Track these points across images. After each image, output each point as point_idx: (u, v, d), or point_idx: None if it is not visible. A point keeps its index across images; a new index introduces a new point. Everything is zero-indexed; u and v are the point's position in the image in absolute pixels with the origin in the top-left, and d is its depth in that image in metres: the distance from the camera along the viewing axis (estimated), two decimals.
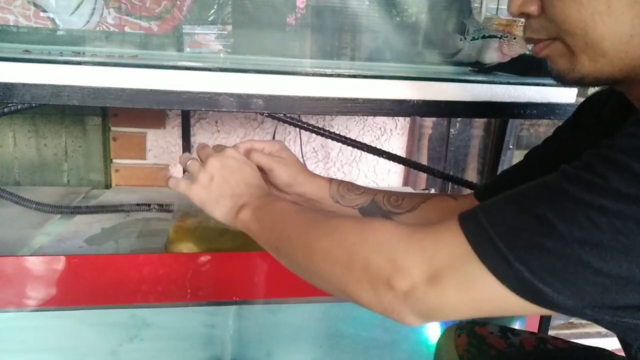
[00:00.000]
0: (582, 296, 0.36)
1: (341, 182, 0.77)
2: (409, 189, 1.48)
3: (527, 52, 0.95)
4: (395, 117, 1.44)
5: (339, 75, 0.83)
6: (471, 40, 0.94)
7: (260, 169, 0.73)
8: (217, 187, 0.63)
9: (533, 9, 0.47)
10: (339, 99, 0.83)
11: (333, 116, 1.40)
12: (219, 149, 0.67)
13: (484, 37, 0.94)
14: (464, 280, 0.40)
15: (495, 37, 0.93)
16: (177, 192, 0.66)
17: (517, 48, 0.92)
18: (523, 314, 0.41)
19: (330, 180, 0.77)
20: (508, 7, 0.49)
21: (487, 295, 0.40)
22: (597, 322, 0.39)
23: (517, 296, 0.38)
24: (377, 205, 0.75)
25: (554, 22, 0.46)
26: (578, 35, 0.44)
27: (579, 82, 0.48)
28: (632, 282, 0.34)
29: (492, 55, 0.94)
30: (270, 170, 0.73)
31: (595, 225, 0.35)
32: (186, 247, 0.83)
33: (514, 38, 0.93)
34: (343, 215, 0.54)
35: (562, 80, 0.49)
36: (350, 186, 0.77)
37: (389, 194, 0.77)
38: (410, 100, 0.85)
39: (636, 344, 0.50)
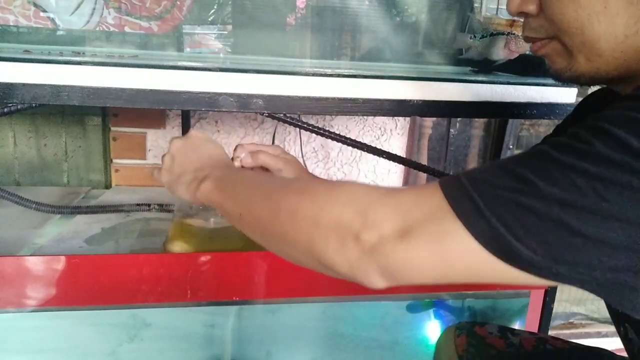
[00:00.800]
0: (556, 256, 0.36)
1: None
2: None
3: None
4: (395, 117, 1.44)
5: (339, 75, 0.83)
6: (480, 38, 0.94)
7: (267, 170, 0.74)
8: (179, 166, 0.63)
9: (532, 8, 0.48)
10: (339, 99, 0.83)
11: (333, 116, 1.40)
12: None
13: (492, 34, 0.94)
14: (437, 236, 0.39)
15: (502, 34, 0.93)
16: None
17: (524, 45, 0.92)
18: (492, 277, 0.39)
19: None
20: (507, 6, 0.50)
21: (458, 252, 0.38)
22: (577, 283, 0.37)
23: (490, 254, 0.37)
24: None
25: (552, 21, 0.46)
26: (575, 34, 0.45)
27: (576, 81, 0.48)
28: (609, 246, 0.35)
29: (499, 52, 0.94)
30: (279, 170, 0.74)
31: (576, 188, 0.35)
32: (184, 247, 0.83)
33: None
34: (312, 176, 0.50)
35: (560, 79, 0.50)
36: None
37: None
38: (410, 100, 0.85)
39: (639, 341, 0.50)
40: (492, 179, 0.39)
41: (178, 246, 0.83)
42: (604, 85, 0.54)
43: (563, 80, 0.49)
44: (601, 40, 0.44)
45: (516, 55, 0.94)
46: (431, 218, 0.40)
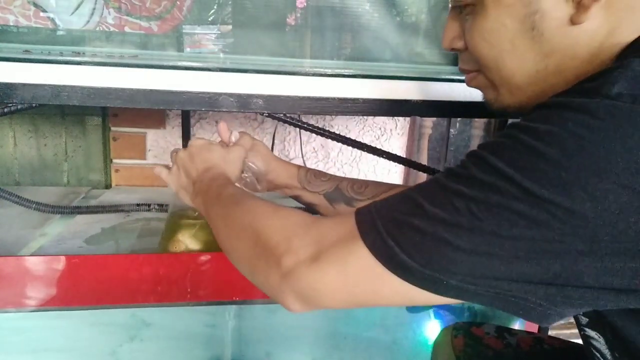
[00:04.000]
0: (442, 269, 0.39)
1: (309, 169, 0.82)
2: None
3: None
4: (395, 117, 1.44)
5: (339, 75, 0.83)
6: None
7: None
8: (183, 176, 0.71)
9: (460, 44, 0.53)
10: (339, 99, 0.83)
11: (333, 116, 1.40)
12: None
13: None
14: (342, 256, 0.43)
15: None
16: (173, 192, 0.74)
17: None
18: (393, 295, 0.43)
19: (299, 167, 0.82)
20: (441, 42, 0.56)
21: (360, 269, 0.42)
22: (471, 297, 0.41)
23: (388, 271, 0.41)
24: (341, 192, 0.79)
25: (475, 57, 0.51)
26: (493, 69, 0.49)
27: (504, 112, 0.53)
28: (486, 257, 0.38)
29: None
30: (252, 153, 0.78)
31: (455, 208, 0.39)
32: (179, 240, 0.83)
33: None
34: (262, 200, 0.57)
35: (491, 109, 0.54)
36: (317, 173, 0.81)
37: (353, 181, 0.80)
38: (410, 100, 0.85)
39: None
40: (392, 205, 0.43)
41: (173, 239, 0.83)
42: None
43: (494, 110, 0.54)
44: (516, 75, 0.48)
45: None
46: (340, 242, 0.44)
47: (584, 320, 0.50)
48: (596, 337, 0.49)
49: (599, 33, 0.43)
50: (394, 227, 0.41)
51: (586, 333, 0.51)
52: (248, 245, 0.50)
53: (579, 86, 0.42)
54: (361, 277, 0.43)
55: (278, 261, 0.45)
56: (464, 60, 0.55)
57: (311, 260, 0.44)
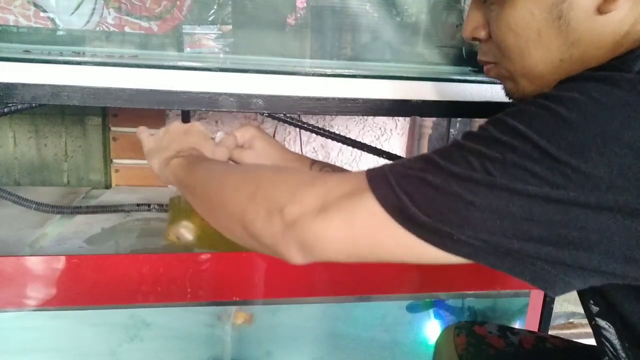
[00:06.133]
0: (449, 222, 0.40)
1: (324, 163, 0.80)
2: None
3: None
4: (395, 117, 1.44)
5: (339, 75, 0.83)
6: None
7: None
8: (166, 142, 0.68)
9: (483, 34, 0.53)
10: (339, 99, 0.83)
11: (333, 116, 1.40)
12: None
13: None
14: (351, 208, 0.43)
15: None
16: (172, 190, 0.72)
17: None
18: (394, 247, 0.43)
19: (313, 160, 0.80)
20: (462, 32, 0.56)
21: (370, 223, 0.42)
22: (472, 254, 0.41)
23: (394, 221, 0.41)
24: None
25: (498, 47, 0.51)
26: (516, 60, 0.50)
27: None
28: (496, 213, 0.38)
29: None
30: (263, 147, 0.77)
31: (469, 165, 0.40)
32: (188, 225, 0.83)
33: None
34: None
35: (511, 99, 0.55)
36: (334, 167, 0.81)
37: None
38: (410, 100, 0.85)
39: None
40: (407, 163, 0.44)
41: (181, 227, 0.83)
42: None
43: (514, 100, 0.54)
44: (539, 64, 0.48)
45: None
46: (349, 194, 0.44)
47: (595, 309, 0.51)
48: (606, 326, 0.50)
49: (625, 23, 0.44)
50: (406, 182, 0.41)
51: (597, 323, 0.51)
52: (245, 197, 0.49)
53: (602, 66, 0.43)
54: (368, 229, 0.42)
55: (281, 210, 0.45)
56: (483, 51, 0.55)
57: (317, 210, 0.44)
